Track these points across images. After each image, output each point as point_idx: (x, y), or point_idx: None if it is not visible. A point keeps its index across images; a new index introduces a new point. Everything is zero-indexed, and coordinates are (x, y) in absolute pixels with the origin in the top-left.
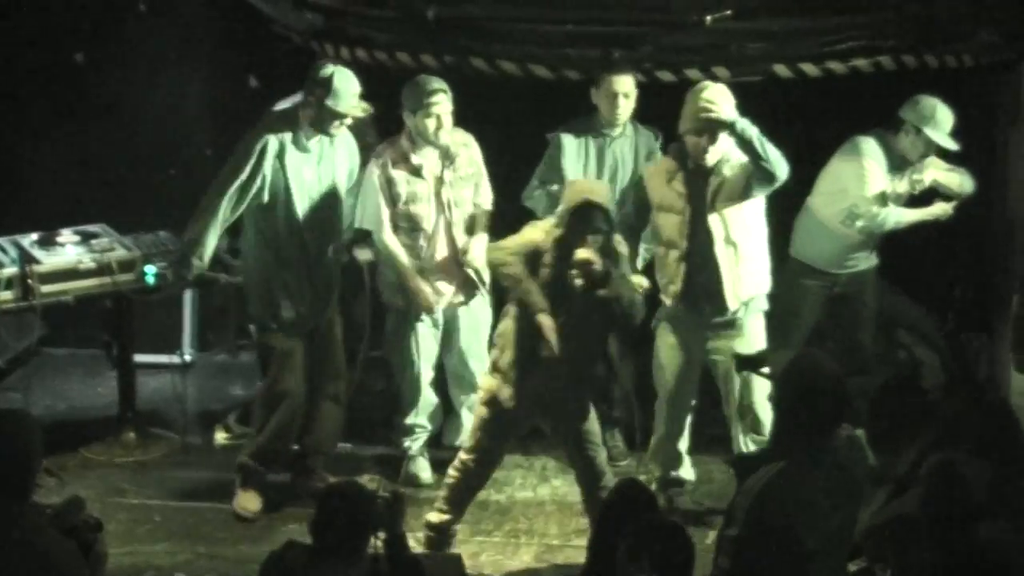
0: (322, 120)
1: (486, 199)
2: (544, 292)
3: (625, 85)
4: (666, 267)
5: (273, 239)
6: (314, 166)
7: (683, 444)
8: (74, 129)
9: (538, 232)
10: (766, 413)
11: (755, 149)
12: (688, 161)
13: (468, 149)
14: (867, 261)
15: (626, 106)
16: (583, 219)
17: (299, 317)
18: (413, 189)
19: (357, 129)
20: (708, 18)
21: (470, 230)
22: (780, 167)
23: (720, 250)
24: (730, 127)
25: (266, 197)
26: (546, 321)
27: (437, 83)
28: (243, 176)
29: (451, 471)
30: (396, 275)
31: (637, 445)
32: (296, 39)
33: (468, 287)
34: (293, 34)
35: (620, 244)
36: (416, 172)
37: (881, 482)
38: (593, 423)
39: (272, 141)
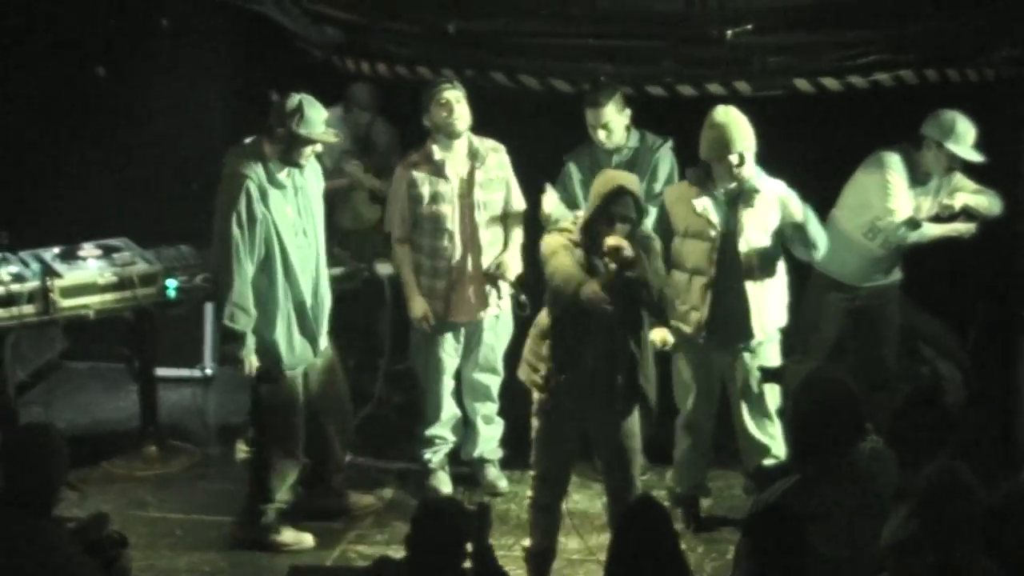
0: (292, 151)
1: (518, 203)
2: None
3: (603, 118)
4: (689, 294)
5: (268, 288)
6: (293, 201)
7: (705, 461)
8: (96, 143)
9: (559, 237)
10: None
11: (803, 225)
12: (712, 185)
13: (497, 154)
14: (890, 276)
15: (609, 136)
16: (613, 204)
17: (295, 362)
18: (436, 189)
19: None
20: (729, 32)
21: (503, 241)
22: (822, 241)
23: (748, 281)
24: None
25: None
26: (593, 286)
27: (446, 80)
28: (244, 232)
29: (528, 492)
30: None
31: (658, 459)
32: (317, 54)
33: (490, 296)
34: (314, 49)
35: (654, 240)
36: (439, 171)
37: (903, 497)
38: (635, 440)
39: (251, 185)
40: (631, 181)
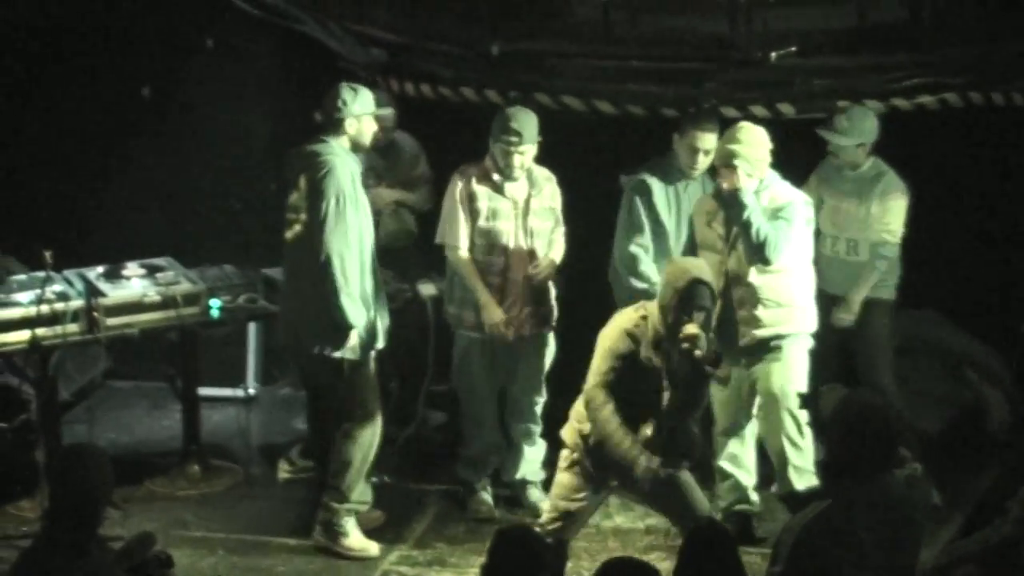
0: (360, 132)
1: (559, 238)
2: (657, 374)
3: (708, 143)
4: None
5: (358, 268)
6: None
7: (748, 476)
8: (140, 162)
9: (623, 335)
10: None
11: (749, 232)
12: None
13: (551, 183)
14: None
15: (704, 161)
16: (692, 297)
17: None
18: (495, 206)
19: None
20: (773, 55)
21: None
22: (772, 251)
23: (739, 288)
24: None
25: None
26: (649, 465)
27: (519, 120)
28: (347, 216)
29: None
30: (467, 291)
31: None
32: (361, 74)
33: (539, 318)
34: (358, 69)
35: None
36: (499, 189)
37: (946, 521)
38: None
39: (354, 173)
40: (704, 270)
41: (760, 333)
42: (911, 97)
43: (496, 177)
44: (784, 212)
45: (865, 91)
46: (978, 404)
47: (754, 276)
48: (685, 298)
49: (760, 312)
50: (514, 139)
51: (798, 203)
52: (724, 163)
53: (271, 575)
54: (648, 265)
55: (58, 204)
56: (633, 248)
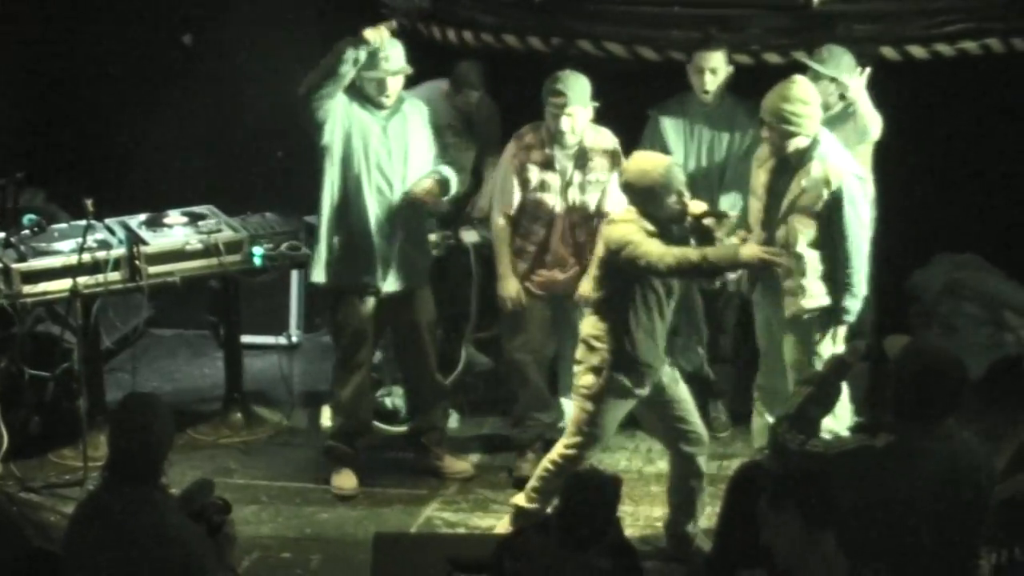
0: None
1: (612, 205)
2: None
3: (712, 61)
4: None
5: (342, 202)
6: (382, 139)
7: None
8: (182, 110)
9: (629, 224)
10: None
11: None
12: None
13: (604, 157)
14: None
15: (713, 81)
16: (673, 179)
17: (370, 286)
18: (544, 177)
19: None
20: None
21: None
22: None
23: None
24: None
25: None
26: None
27: (565, 81)
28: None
29: (547, 463)
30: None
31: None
32: (403, 21)
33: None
34: (400, 17)
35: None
36: (549, 162)
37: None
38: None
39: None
40: (662, 157)
41: (807, 304)
42: (954, 42)
43: (547, 150)
44: (839, 208)
45: (908, 36)
46: (1019, 350)
47: (803, 247)
48: (669, 182)
49: (806, 283)
50: (559, 100)
51: (848, 183)
52: (767, 122)
53: (314, 522)
54: None
55: (99, 152)
56: None
